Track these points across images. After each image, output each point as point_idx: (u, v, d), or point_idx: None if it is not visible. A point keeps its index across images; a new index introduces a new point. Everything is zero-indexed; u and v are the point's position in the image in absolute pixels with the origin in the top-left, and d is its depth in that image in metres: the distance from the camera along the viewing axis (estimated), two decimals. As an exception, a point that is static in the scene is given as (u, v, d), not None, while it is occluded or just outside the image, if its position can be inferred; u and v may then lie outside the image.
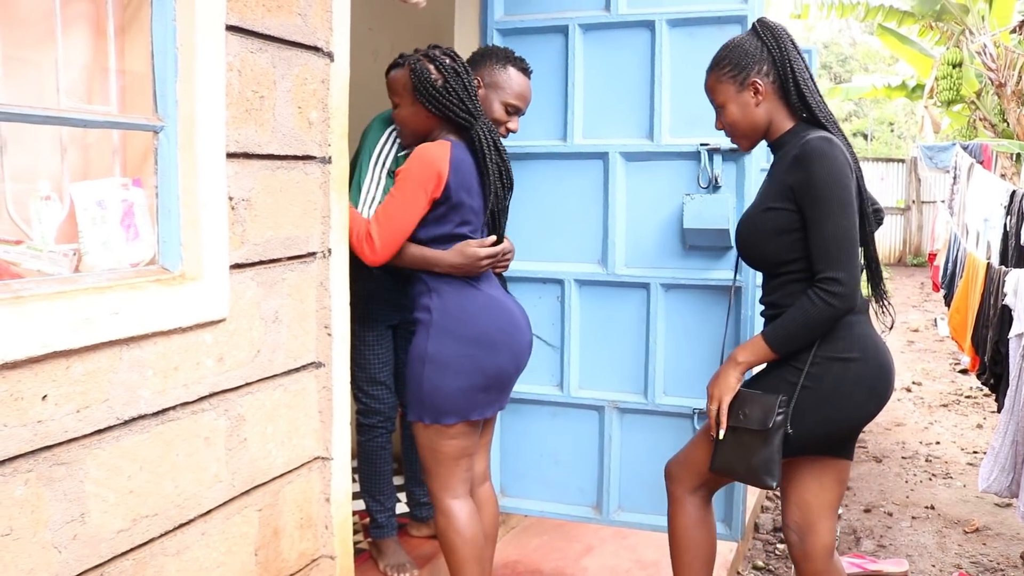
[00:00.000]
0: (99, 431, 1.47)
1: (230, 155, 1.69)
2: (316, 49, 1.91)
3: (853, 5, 11.22)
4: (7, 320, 1.27)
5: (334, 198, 2.00)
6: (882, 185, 15.55)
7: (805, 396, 1.98)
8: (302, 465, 2.01)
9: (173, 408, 1.62)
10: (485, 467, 2.43)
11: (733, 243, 2.70)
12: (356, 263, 2.63)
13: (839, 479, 2.12)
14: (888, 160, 16.65)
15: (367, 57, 3.73)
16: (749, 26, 2.63)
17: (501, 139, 2.36)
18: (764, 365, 2.09)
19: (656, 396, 2.86)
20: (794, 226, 1.98)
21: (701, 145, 2.72)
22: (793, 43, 2.03)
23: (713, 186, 2.73)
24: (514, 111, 2.48)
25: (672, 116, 2.78)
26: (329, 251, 2.01)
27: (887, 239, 15.45)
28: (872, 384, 2.00)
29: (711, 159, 2.72)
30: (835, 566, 2.14)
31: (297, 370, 1.97)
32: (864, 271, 2.11)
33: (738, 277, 2.73)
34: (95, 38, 1.58)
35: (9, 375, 1.30)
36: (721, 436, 2.04)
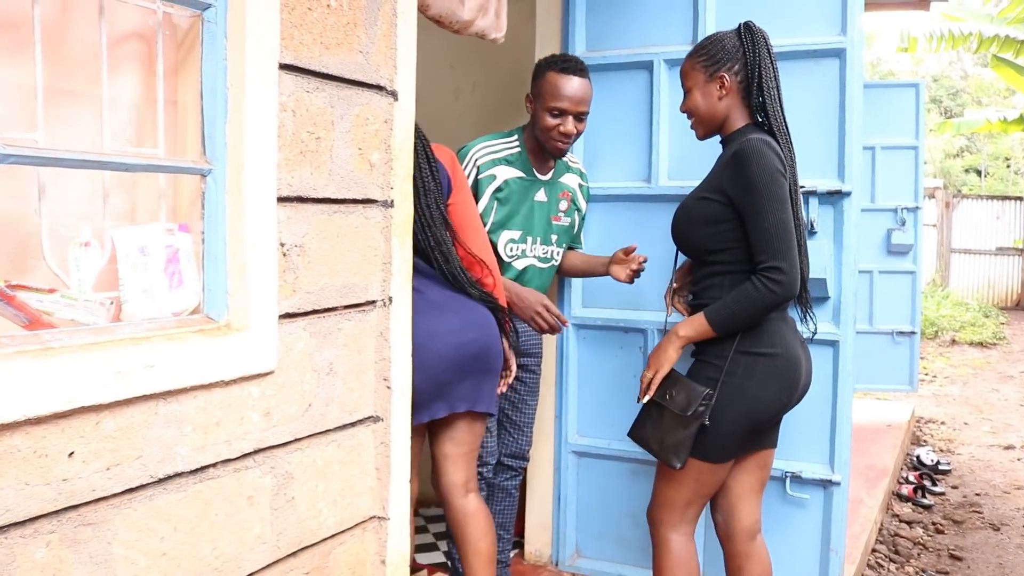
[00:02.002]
0: (130, 490, 1.38)
1: (282, 199, 1.61)
2: (379, 88, 1.83)
3: (965, 36, 10.67)
4: (32, 373, 1.20)
5: (396, 244, 1.90)
6: (997, 224, 14.69)
7: (724, 391, 2.07)
8: (356, 525, 1.89)
9: (213, 465, 1.53)
10: (464, 478, 2.31)
11: (831, 292, 2.49)
12: None
13: (760, 464, 2.26)
14: (1004, 198, 15.71)
15: (448, 95, 3.68)
16: (848, 60, 2.45)
17: (561, 145, 2.45)
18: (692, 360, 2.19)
19: (745, 457, 2.63)
20: (723, 218, 2.10)
21: (796, 187, 2.51)
22: (769, 51, 2.16)
23: (809, 232, 2.52)
24: (559, 113, 2.39)
25: (764, 156, 2.59)
26: (390, 299, 1.91)
27: (1004, 281, 14.56)
28: (782, 376, 2.10)
29: (807, 202, 2.51)
30: (756, 548, 2.26)
31: (352, 425, 1.86)
32: None
33: (838, 329, 2.51)
34: (147, 78, 1.53)
35: (32, 431, 1.23)
36: (644, 400, 2.16)
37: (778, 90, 2.17)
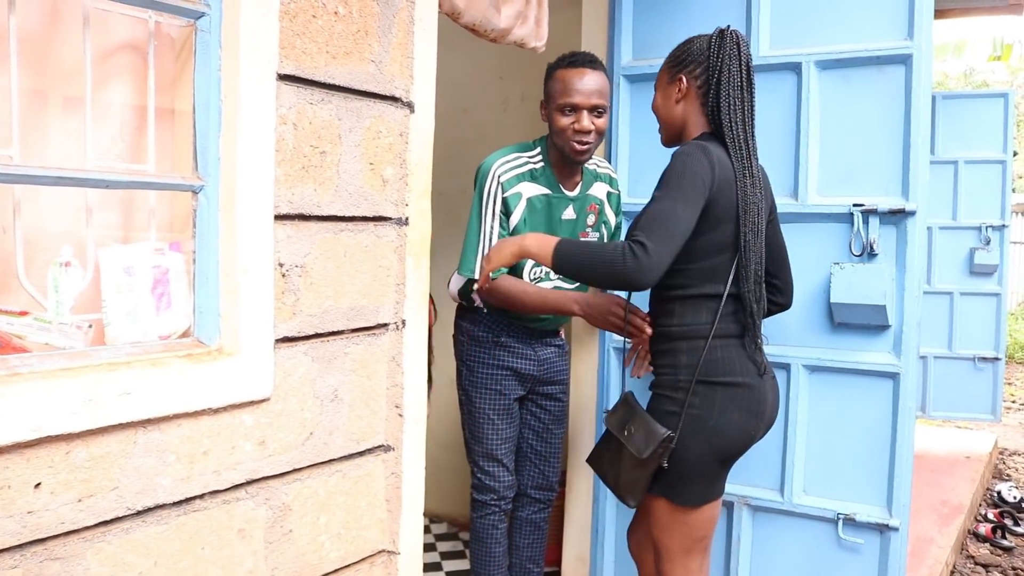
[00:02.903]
0: (105, 522, 1.31)
1: (281, 217, 1.53)
2: (393, 99, 1.73)
3: (1066, 44, 10.07)
4: (-8, 401, 1.14)
5: (411, 264, 1.81)
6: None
7: (685, 425, 1.93)
8: (363, 560, 1.80)
9: (200, 497, 1.45)
10: None
11: (891, 320, 2.30)
12: (483, 328, 2.43)
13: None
14: (1106, 215, 14.78)
15: (497, 107, 3.58)
16: (914, 67, 2.26)
17: (580, 146, 2.25)
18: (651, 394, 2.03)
19: (794, 494, 2.45)
20: None
21: (855, 206, 2.33)
22: (741, 59, 1.96)
23: (868, 254, 2.32)
24: (572, 109, 2.22)
25: (821, 171, 2.41)
26: (403, 322, 1.81)
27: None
28: (744, 405, 1.95)
29: (866, 222, 2.32)
30: None
31: (361, 454, 1.76)
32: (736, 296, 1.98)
33: (898, 361, 2.31)
34: (142, 91, 1.47)
35: (-7, 462, 1.17)
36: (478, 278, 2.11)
37: (744, 101, 1.96)
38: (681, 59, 2.03)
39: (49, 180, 1.23)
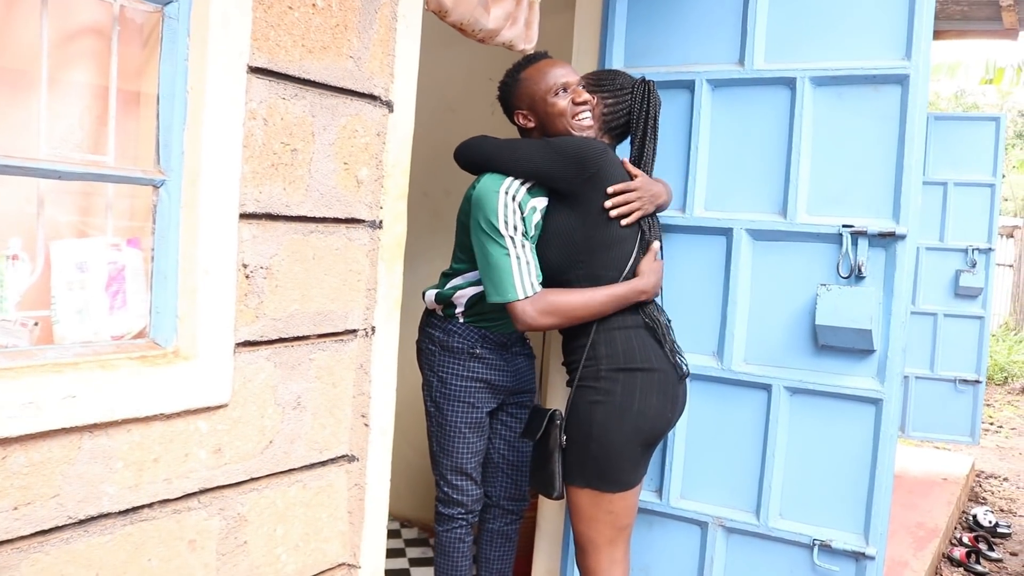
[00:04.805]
0: (42, 532, 1.24)
1: (247, 215, 1.46)
2: (371, 97, 1.67)
3: (1057, 69, 10.11)
4: (-78, 402, 1.07)
5: (383, 268, 1.74)
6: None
7: (602, 411, 2.01)
8: (321, 573, 1.73)
9: (148, 506, 1.38)
10: None
11: (876, 345, 2.25)
12: (457, 339, 2.34)
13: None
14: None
15: (484, 109, 3.52)
16: (911, 88, 2.22)
17: (587, 122, 2.20)
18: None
19: (770, 518, 2.40)
20: (566, 224, 2.10)
21: (844, 227, 2.28)
22: (654, 115, 2.25)
23: (856, 276, 2.27)
24: (563, 90, 2.15)
25: (811, 190, 2.36)
26: (372, 329, 1.75)
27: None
28: (662, 390, 2.05)
29: (855, 243, 2.27)
30: None
31: (323, 464, 1.70)
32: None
33: (881, 387, 2.26)
34: (105, 79, 1.39)
35: (-79, 467, 1.10)
36: None
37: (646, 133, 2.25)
38: (602, 83, 2.26)
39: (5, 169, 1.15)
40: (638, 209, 2.10)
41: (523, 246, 2.08)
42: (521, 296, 2.04)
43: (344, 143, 1.62)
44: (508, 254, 2.06)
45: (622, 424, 2.01)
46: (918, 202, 2.28)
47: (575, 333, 2.11)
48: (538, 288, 2.06)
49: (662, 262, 2.19)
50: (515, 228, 2.08)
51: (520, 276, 2.06)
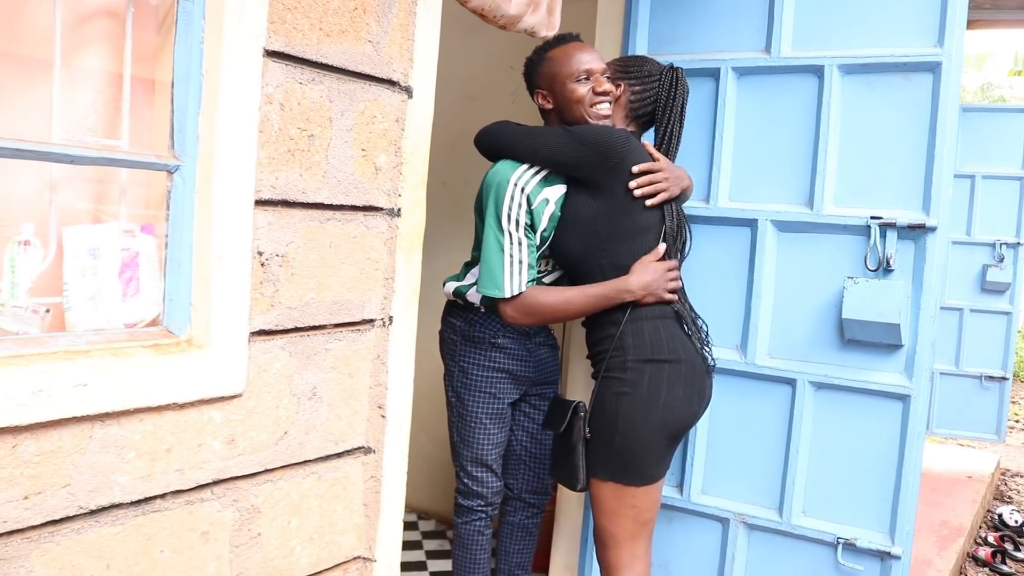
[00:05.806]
0: (53, 521, 1.22)
1: (263, 202, 1.43)
2: (390, 82, 1.63)
3: (1088, 61, 9.91)
4: (-70, 389, 1.05)
5: (401, 257, 1.71)
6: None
7: (628, 403, 1.98)
8: (336, 566, 1.71)
9: (161, 497, 1.36)
10: None
11: (904, 340, 2.20)
12: (479, 328, 2.31)
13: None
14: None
15: (506, 96, 3.48)
16: (943, 76, 2.16)
17: (605, 111, 2.14)
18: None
19: (793, 515, 2.36)
20: (588, 210, 2.07)
21: (872, 218, 2.22)
22: (682, 103, 2.22)
23: (884, 269, 2.22)
24: (586, 77, 2.09)
25: (838, 181, 2.31)
26: (390, 319, 1.72)
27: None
28: (689, 381, 2.02)
29: (884, 236, 2.22)
30: None
31: (339, 455, 1.67)
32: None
33: (909, 383, 2.21)
34: (119, 61, 1.37)
35: (-72, 455, 1.08)
36: None
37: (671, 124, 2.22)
38: (629, 70, 2.24)
39: (7, 152, 1.13)
40: (664, 190, 2.06)
41: (520, 243, 2.05)
42: (507, 295, 2.06)
43: (362, 129, 1.59)
44: (503, 250, 2.05)
45: (648, 417, 1.97)
46: (949, 193, 2.22)
47: (601, 324, 2.08)
48: (524, 288, 2.06)
49: (665, 263, 2.05)
50: (516, 223, 2.05)
51: (510, 275, 2.05)
